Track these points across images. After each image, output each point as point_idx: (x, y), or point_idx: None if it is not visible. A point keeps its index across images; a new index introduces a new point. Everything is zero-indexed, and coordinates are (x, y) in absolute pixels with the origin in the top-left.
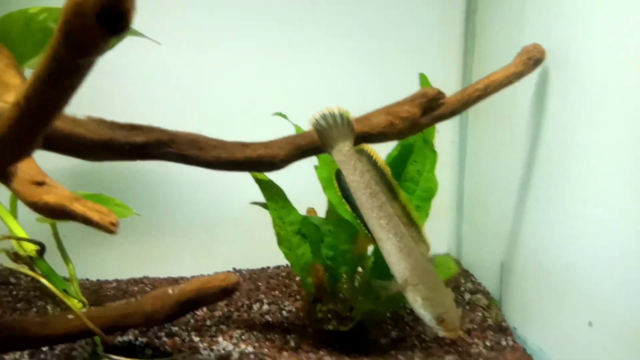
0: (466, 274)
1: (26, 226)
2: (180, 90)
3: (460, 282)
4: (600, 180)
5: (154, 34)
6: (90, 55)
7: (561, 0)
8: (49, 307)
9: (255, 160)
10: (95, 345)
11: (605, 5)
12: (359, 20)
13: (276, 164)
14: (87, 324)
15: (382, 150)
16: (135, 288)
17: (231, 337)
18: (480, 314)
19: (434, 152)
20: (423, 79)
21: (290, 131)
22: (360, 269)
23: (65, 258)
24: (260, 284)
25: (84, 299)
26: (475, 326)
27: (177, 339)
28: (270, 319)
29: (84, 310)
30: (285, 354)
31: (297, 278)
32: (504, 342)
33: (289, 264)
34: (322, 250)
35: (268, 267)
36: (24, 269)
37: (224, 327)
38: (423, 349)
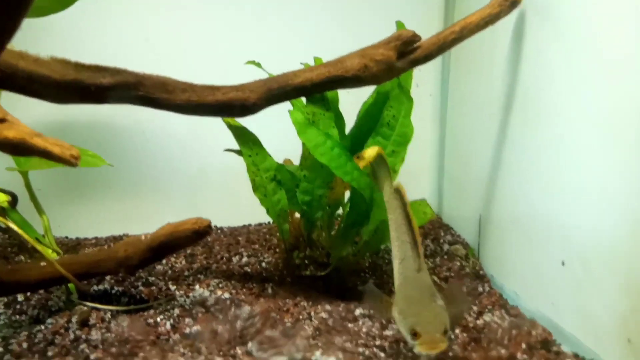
0: (446, 228)
1: None
2: (154, 45)
3: (440, 235)
4: (576, 128)
5: None
6: None
7: None
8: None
9: (227, 103)
10: (70, 293)
11: None
12: None
13: (248, 107)
14: (59, 269)
15: (361, 98)
16: None
17: (208, 285)
18: (458, 263)
19: (410, 99)
20: (400, 26)
21: None
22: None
23: (39, 209)
24: (240, 238)
25: (59, 250)
26: (452, 274)
27: (153, 288)
28: (249, 270)
29: (57, 258)
30: (262, 300)
31: (279, 234)
32: (480, 289)
33: (271, 221)
34: (297, 196)
35: (249, 225)
36: None
37: (201, 276)
38: None
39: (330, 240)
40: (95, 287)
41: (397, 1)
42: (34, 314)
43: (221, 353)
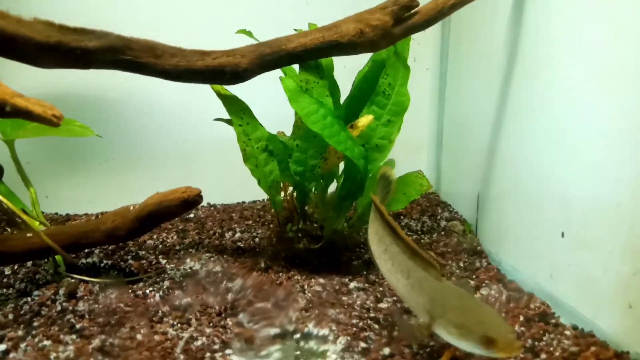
0: (444, 205)
1: None
2: (142, 9)
3: (438, 212)
4: (576, 97)
5: None
6: None
7: None
8: None
9: (217, 69)
10: (57, 265)
11: None
12: None
13: (239, 74)
14: (45, 239)
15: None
16: None
17: (199, 259)
18: (455, 239)
19: (407, 67)
20: None
21: None
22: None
23: (26, 182)
24: (233, 215)
25: (46, 222)
26: (450, 249)
27: (143, 261)
28: (241, 245)
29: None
30: (254, 274)
31: (273, 210)
32: (478, 264)
33: (265, 198)
34: (290, 167)
35: (244, 202)
36: None
37: (193, 251)
38: None
39: (323, 212)
40: (84, 260)
41: None
42: (21, 287)
43: (211, 324)
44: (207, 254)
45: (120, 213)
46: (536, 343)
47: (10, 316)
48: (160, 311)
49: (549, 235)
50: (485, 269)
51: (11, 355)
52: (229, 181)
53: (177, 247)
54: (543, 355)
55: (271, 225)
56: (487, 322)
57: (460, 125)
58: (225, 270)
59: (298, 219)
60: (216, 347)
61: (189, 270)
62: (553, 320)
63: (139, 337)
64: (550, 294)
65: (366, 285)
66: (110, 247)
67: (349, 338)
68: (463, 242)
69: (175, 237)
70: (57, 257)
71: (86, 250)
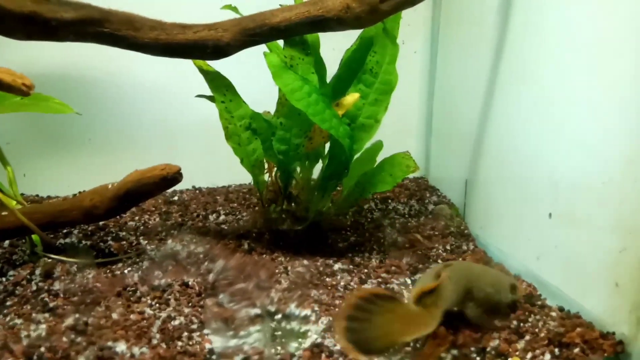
0: (432, 189)
1: None
2: None
3: (426, 196)
4: (564, 80)
5: None
6: None
7: None
8: None
9: (198, 43)
10: (34, 245)
11: None
12: None
13: (222, 48)
14: (21, 218)
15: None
16: None
17: (181, 240)
18: (443, 222)
19: (396, 45)
20: None
21: None
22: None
23: (3, 161)
24: (218, 198)
25: (23, 201)
26: (437, 233)
27: (123, 242)
28: (225, 227)
29: (19, 208)
30: (237, 255)
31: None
32: (465, 247)
33: (252, 182)
34: (273, 145)
35: (230, 185)
36: None
37: (175, 232)
38: (380, 252)
39: (308, 193)
40: (62, 241)
41: None
42: None
43: (190, 304)
44: (190, 236)
45: (98, 191)
46: (521, 324)
47: None
48: (138, 291)
49: (536, 217)
50: (473, 252)
51: None
52: (215, 164)
53: (159, 229)
54: (527, 337)
55: (256, 208)
56: (503, 276)
57: (450, 108)
58: (207, 251)
59: (282, 200)
60: (194, 326)
61: (170, 250)
62: (539, 302)
63: (114, 316)
64: (537, 276)
65: (351, 267)
66: (90, 228)
67: (331, 318)
68: (450, 225)
69: (157, 219)
70: (35, 236)
71: (65, 230)
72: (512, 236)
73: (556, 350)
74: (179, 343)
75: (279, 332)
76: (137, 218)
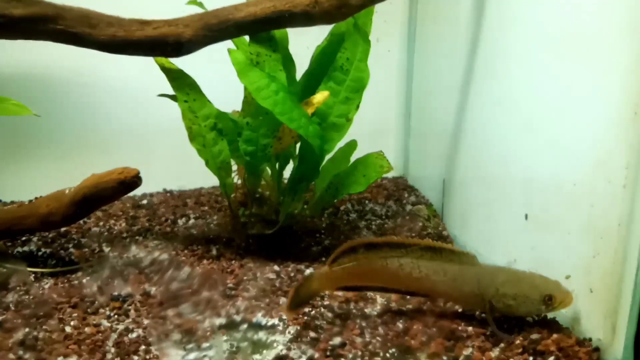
0: (411, 189)
1: None
2: None
3: (404, 196)
4: (537, 80)
5: None
6: None
7: None
8: None
9: (158, 40)
10: None
11: None
12: None
13: (183, 45)
14: None
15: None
16: None
17: (146, 247)
18: (420, 223)
19: (367, 41)
20: None
21: None
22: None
23: None
24: (189, 201)
25: None
26: (414, 234)
27: (85, 249)
28: (194, 232)
29: None
30: (205, 261)
31: (233, 195)
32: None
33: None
34: (240, 146)
35: (202, 188)
36: None
37: (140, 238)
38: None
39: (278, 195)
40: (19, 249)
41: None
42: None
43: (150, 315)
44: (156, 241)
45: (55, 197)
46: None
47: None
48: (96, 302)
49: (512, 218)
50: None
51: None
52: (187, 165)
53: (124, 235)
54: (502, 344)
55: (228, 211)
56: (539, 284)
57: (427, 107)
58: (173, 258)
59: (251, 203)
60: (152, 339)
61: (133, 258)
62: None
63: (67, 329)
64: None
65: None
66: (50, 234)
67: (299, 327)
68: (428, 226)
69: (123, 224)
70: None
71: (24, 238)
72: (489, 237)
73: (530, 358)
74: (135, 358)
75: (244, 343)
76: (101, 223)
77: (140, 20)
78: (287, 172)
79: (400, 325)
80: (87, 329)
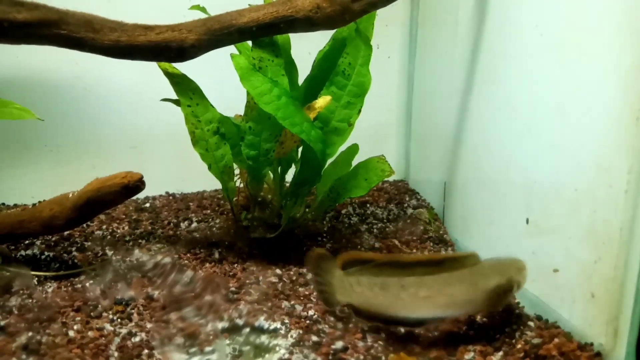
0: (412, 193)
1: None
2: None
3: (405, 200)
4: (539, 84)
5: None
6: None
7: None
8: None
9: (162, 45)
10: None
11: None
12: None
13: (186, 50)
14: None
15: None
16: None
17: (149, 250)
18: (422, 227)
19: (369, 46)
20: None
21: None
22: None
23: None
24: (191, 204)
25: None
26: (415, 238)
27: (89, 253)
28: (197, 235)
29: None
30: (207, 265)
31: (235, 199)
32: (443, 252)
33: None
34: (242, 150)
35: (204, 191)
36: None
37: (143, 242)
38: None
39: (280, 199)
40: (23, 252)
41: None
42: None
43: (153, 319)
44: (158, 245)
45: (57, 201)
46: (497, 335)
47: None
48: (99, 305)
49: (513, 222)
50: None
51: None
52: (189, 169)
53: (127, 238)
54: (505, 348)
55: (230, 215)
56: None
57: (428, 111)
58: (176, 262)
59: (253, 207)
60: (155, 343)
61: (136, 262)
62: (517, 310)
63: (71, 333)
64: None
65: None
66: (53, 238)
67: (301, 331)
68: (429, 230)
69: (126, 228)
70: None
71: (27, 242)
72: (490, 241)
73: None
74: None
75: (246, 347)
76: (104, 227)
77: (143, 25)
78: (289, 176)
79: (401, 329)
80: (90, 333)
